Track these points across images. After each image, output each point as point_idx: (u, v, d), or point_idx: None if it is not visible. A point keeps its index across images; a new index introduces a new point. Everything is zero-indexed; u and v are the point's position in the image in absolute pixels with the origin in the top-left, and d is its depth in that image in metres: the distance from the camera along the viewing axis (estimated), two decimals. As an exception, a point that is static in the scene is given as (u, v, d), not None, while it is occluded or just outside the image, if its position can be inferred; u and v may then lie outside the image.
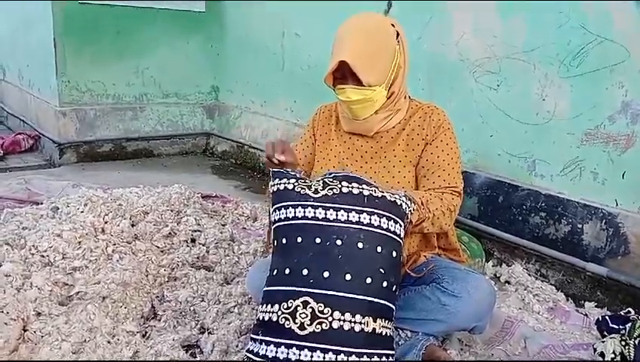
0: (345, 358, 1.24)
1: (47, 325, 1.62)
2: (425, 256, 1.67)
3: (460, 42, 2.59)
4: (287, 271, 1.32)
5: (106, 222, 2.22)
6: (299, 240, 1.33)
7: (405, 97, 1.69)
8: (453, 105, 2.61)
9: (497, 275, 2.32)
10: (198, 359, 1.64)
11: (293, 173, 1.42)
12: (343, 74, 1.52)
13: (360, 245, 1.31)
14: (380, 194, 1.37)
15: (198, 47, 4.49)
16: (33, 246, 1.99)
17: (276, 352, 1.26)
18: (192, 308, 1.87)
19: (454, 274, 1.53)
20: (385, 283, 1.31)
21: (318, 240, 1.31)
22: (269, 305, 1.32)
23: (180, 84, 4.48)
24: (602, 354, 1.66)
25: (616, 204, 2.09)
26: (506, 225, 2.45)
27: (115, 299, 1.78)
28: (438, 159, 1.61)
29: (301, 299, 1.27)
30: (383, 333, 1.31)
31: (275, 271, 1.36)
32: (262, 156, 4.07)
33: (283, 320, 1.27)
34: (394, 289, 1.35)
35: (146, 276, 2.00)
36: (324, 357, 1.23)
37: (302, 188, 1.37)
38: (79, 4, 3.85)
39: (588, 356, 1.70)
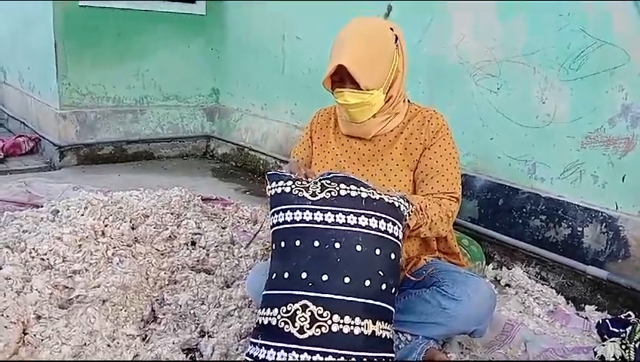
0: (344, 361, 1.24)
1: (47, 328, 1.62)
2: (425, 260, 1.67)
3: (459, 45, 2.59)
4: (286, 274, 1.32)
5: (106, 225, 2.22)
6: (297, 243, 1.33)
7: (404, 101, 1.69)
8: (453, 108, 2.61)
9: (497, 278, 2.32)
10: (197, 362, 1.64)
11: (289, 175, 1.42)
12: (342, 77, 1.53)
13: (358, 248, 1.30)
14: (377, 197, 1.37)
15: (198, 49, 4.50)
16: (33, 249, 1.99)
17: (276, 356, 1.26)
18: (192, 312, 1.87)
19: (454, 278, 1.53)
20: (384, 286, 1.31)
21: (316, 244, 1.31)
22: (269, 309, 1.32)
23: (180, 86, 4.49)
24: (602, 358, 1.66)
25: (617, 207, 2.09)
26: (506, 228, 2.45)
27: (115, 302, 1.78)
28: (436, 164, 1.61)
29: (300, 303, 1.27)
30: (383, 336, 1.31)
31: (274, 275, 1.36)
32: (263, 159, 4.07)
33: (282, 323, 1.27)
34: (393, 291, 1.35)
35: (146, 279, 2.00)
36: (323, 361, 1.23)
37: (299, 191, 1.37)
38: (80, 6, 3.86)
39: (588, 359, 1.70)
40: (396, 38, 1.56)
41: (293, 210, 1.35)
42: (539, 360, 1.70)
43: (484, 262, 2.31)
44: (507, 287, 2.24)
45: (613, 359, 1.64)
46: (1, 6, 5.05)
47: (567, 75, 2.19)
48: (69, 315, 1.70)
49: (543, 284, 2.24)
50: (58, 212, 2.34)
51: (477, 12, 2.50)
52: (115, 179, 3.67)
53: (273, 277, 1.36)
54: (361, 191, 1.36)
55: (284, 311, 1.28)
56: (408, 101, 1.73)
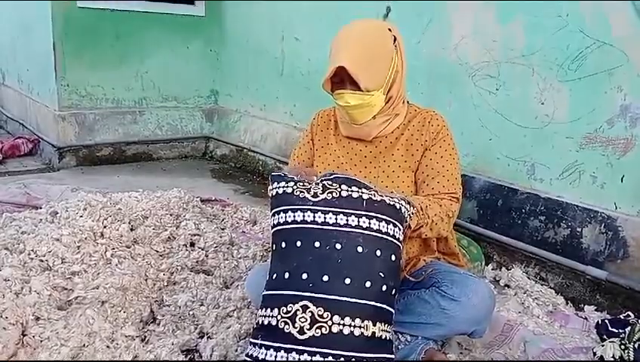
0: (344, 362, 1.24)
1: (46, 330, 1.62)
2: (424, 260, 1.67)
3: (459, 46, 2.60)
4: (286, 275, 1.32)
5: (105, 227, 2.22)
6: (298, 244, 1.33)
7: (404, 102, 1.69)
8: (452, 109, 2.62)
9: (497, 279, 2.32)
10: (197, 363, 1.64)
11: (291, 177, 1.42)
12: (341, 79, 1.53)
13: (359, 249, 1.30)
14: (379, 198, 1.37)
15: (197, 51, 4.50)
16: (32, 250, 1.99)
17: (276, 356, 1.26)
18: (191, 313, 1.86)
19: (454, 278, 1.53)
20: (384, 287, 1.31)
21: (317, 244, 1.31)
22: (269, 309, 1.32)
23: (179, 87, 4.49)
24: (602, 358, 1.66)
25: (616, 208, 2.09)
26: (505, 228, 2.45)
27: (114, 303, 1.77)
28: (437, 165, 1.61)
29: (300, 303, 1.27)
30: (383, 337, 1.31)
31: (275, 276, 1.36)
32: (262, 160, 4.07)
33: (282, 324, 1.27)
34: (393, 292, 1.35)
35: (145, 280, 1.99)
36: (323, 361, 1.23)
37: (301, 192, 1.37)
38: (78, 8, 3.86)
39: (587, 359, 1.70)
40: (394, 39, 1.56)
41: (294, 211, 1.35)
42: (538, 361, 1.70)
43: (484, 263, 2.31)
44: (506, 288, 2.24)
45: (612, 359, 1.64)
46: (1, 8, 5.04)
47: (566, 76, 2.19)
48: (68, 316, 1.70)
49: (542, 285, 2.24)
50: (57, 213, 2.34)
51: (476, 13, 2.51)
52: (114, 180, 3.67)
53: (273, 278, 1.36)
54: (362, 192, 1.36)
55: (284, 311, 1.28)
56: (407, 102, 1.73)
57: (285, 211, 1.37)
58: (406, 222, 1.41)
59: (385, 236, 1.34)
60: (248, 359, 1.32)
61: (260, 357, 1.28)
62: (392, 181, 1.65)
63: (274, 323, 1.29)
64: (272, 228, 1.41)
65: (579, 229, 2.19)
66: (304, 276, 1.29)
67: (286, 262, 1.34)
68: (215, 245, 2.37)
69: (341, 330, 1.25)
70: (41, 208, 2.52)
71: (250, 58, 4.19)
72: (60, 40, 3.84)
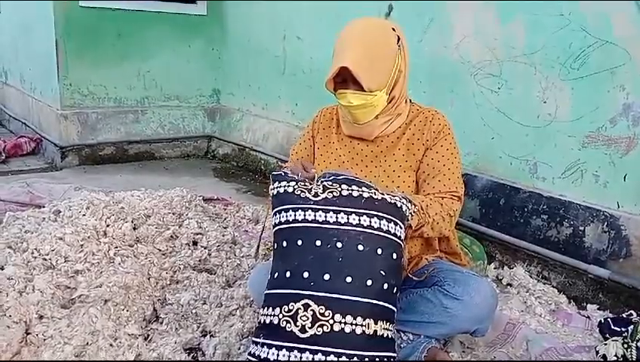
0: (346, 361, 1.24)
1: (49, 328, 1.62)
2: (426, 259, 1.67)
3: (460, 45, 2.59)
4: (287, 274, 1.32)
5: (107, 225, 2.22)
6: (299, 243, 1.33)
7: (406, 101, 1.69)
8: (454, 107, 2.61)
9: (499, 278, 2.32)
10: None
11: (292, 176, 1.43)
12: (344, 79, 1.53)
13: (360, 247, 1.31)
14: (379, 197, 1.37)
15: (199, 50, 4.50)
16: (35, 249, 1.99)
17: (278, 355, 1.26)
18: (193, 311, 1.87)
19: (456, 277, 1.53)
20: (385, 286, 1.31)
21: (318, 243, 1.31)
22: (270, 308, 1.32)
23: (181, 87, 4.49)
24: (604, 357, 1.66)
25: (618, 207, 2.09)
26: (507, 227, 2.45)
27: (117, 302, 1.78)
28: (438, 164, 1.61)
29: (302, 302, 1.27)
30: (385, 335, 1.31)
31: (276, 274, 1.36)
32: (264, 159, 4.07)
33: (284, 323, 1.27)
34: (394, 291, 1.35)
35: (148, 279, 2.00)
36: (325, 360, 1.23)
37: (302, 191, 1.37)
38: (80, 7, 3.86)
39: (590, 358, 1.70)
40: (398, 39, 1.56)
41: (295, 210, 1.36)
42: (540, 360, 1.70)
43: (486, 262, 2.31)
44: (509, 286, 2.24)
45: (615, 358, 1.64)
46: (2, 7, 5.05)
47: (569, 75, 2.19)
48: (71, 315, 1.70)
49: (544, 283, 2.24)
50: (60, 212, 2.35)
51: (478, 12, 2.50)
52: (116, 179, 3.68)
53: (275, 277, 1.36)
54: (363, 191, 1.36)
55: (285, 310, 1.28)
56: (410, 101, 1.73)
57: (286, 210, 1.37)
58: (407, 220, 1.41)
59: (386, 234, 1.34)
60: (251, 357, 1.32)
61: (263, 355, 1.29)
62: (392, 180, 1.65)
63: (276, 321, 1.29)
64: (274, 227, 1.41)
65: (581, 228, 2.19)
66: (305, 275, 1.29)
67: (287, 260, 1.35)
68: (217, 244, 2.38)
69: (343, 329, 1.25)
70: (44, 207, 2.53)
71: (251, 57, 4.20)
72: (62, 39, 3.85)
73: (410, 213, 1.42)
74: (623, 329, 1.76)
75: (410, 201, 1.42)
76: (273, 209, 1.42)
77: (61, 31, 3.84)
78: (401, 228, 1.39)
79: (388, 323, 1.33)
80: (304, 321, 1.25)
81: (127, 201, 2.46)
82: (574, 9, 2.14)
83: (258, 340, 1.32)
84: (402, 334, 1.62)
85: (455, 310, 1.49)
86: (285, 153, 3.79)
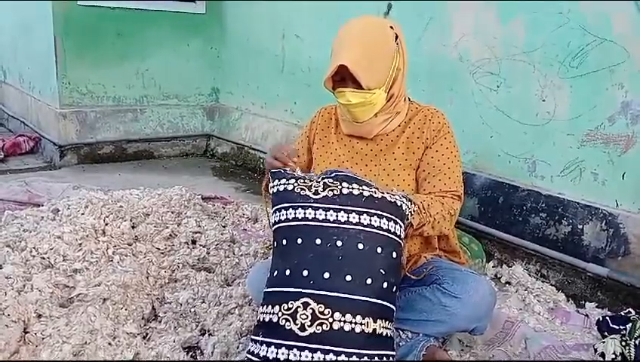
0: (345, 359, 1.24)
1: (47, 327, 1.62)
2: (425, 258, 1.68)
3: (459, 43, 2.59)
4: (287, 272, 1.32)
5: (106, 224, 2.22)
6: (299, 241, 1.33)
7: (405, 99, 1.69)
8: (453, 106, 2.61)
9: (498, 276, 2.32)
10: (198, 360, 1.64)
11: (292, 174, 1.43)
12: (343, 77, 1.53)
13: (360, 246, 1.31)
14: (380, 195, 1.37)
15: (198, 49, 4.50)
16: (34, 248, 2.00)
17: (277, 353, 1.26)
18: (192, 310, 1.87)
19: (454, 276, 1.53)
20: (385, 284, 1.31)
21: (318, 242, 1.31)
22: (270, 307, 1.32)
23: (180, 85, 4.49)
24: (603, 355, 1.66)
25: (617, 205, 2.09)
26: (506, 225, 2.45)
27: (115, 300, 1.78)
28: (438, 163, 1.61)
29: (301, 300, 1.27)
30: (384, 334, 1.31)
31: (276, 273, 1.36)
32: (263, 158, 4.07)
33: (283, 321, 1.27)
34: (394, 289, 1.35)
35: (147, 278, 2.00)
36: (324, 358, 1.23)
37: (302, 189, 1.37)
38: (79, 6, 3.86)
39: (588, 356, 1.70)
40: (396, 37, 1.56)
41: (295, 208, 1.35)
42: (539, 359, 1.70)
43: (485, 260, 2.32)
44: (507, 285, 2.24)
45: (613, 356, 1.65)
46: (1, 6, 5.04)
47: (567, 73, 2.19)
48: (70, 314, 1.70)
49: (543, 282, 2.25)
50: (58, 211, 2.35)
51: (478, 10, 2.50)
52: (115, 178, 3.67)
53: (275, 275, 1.36)
54: (363, 189, 1.36)
55: (285, 308, 1.28)
56: (409, 99, 1.73)
57: (286, 208, 1.37)
58: (407, 219, 1.41)
59: (385, 233, 1.34)
60: (249, 356, 1.32)
61: (262, 354, 1.29)
62: (392, 179, 1.65)
63: (275, 320, 1.29)
64: (273, 225, 1.41)
65: (580, 226, 2.19)
66: (305, 273, 1.29)
67: (287, 259, 1.35)
68: (216, 242, 2.38)
69: (342, 327, 1.25)
70: (42, 206, 2.53)
71: (250, 56, 4.19)
72: (61, 38, 3.84)
73: (411, 212, 1.42)
74: (622, 327, 1.76)
75: (410, 200, 1.42)
76: (273, 207, 1.42)
77: (60, 30, 3.83)
78: (400, 226, 1.39)
79: (387, 322, 1.33)
80: (303, 319, 1.25)
81: (126, 200, 2.46)
82: (573, 7, 2.14)
83: (257, 338, 1.32)
84: (401, 332, 1.62)
85: (454, 308, 1.49)
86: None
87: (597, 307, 2.05)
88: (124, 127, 4.25)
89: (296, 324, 1.26)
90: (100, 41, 4.01)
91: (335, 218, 1.32)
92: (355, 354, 1.25)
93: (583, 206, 2.18)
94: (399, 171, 1.65)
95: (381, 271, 1.31)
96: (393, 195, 1.39)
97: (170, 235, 2.34)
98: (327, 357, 1.23)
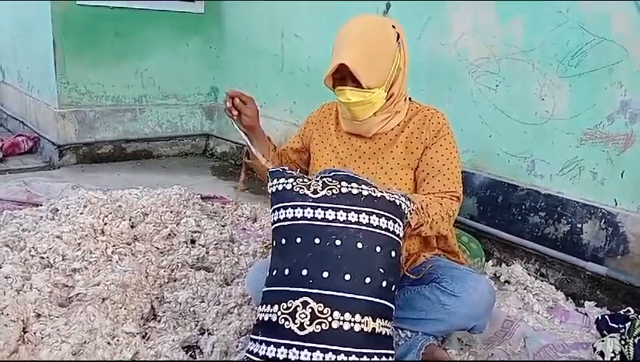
0: (345, 358, 1.24)
1: (47, 326, 1.62)
2: (424, 256, 1.68)
3: (458, 42, 2.59)
4: (286, 271, 1.32)
5: (105, 224, 2.22)
6: (298, 240, 1.33)
7: (405, 99, 1.69)
8: (452, 105, 2.61)
9: (497, 275, 2.32)
10: (197, 360, 1.64)
11: (290, 172, 1.43)
12: (343, 75, 1.53)
13: (359, 245, 1.30)
14: (379, 194, 1.37)
15: (197, 48, 4.49)
16: (33, 247, 1.99)
17: (276, 352, 1.26)
18: (191, 309, 1.87)
19: (453, 274, 1.53)
20: (384, 283, 1.31)
21: (317, 241, 1.31)
22: (269, 306, 1.32)
23: (179, 85, 4.48)
24: (602, 354, 1.66)
25: (616, 204, 2.09)
26: (505, 224, 2.45)
27: (114, 300, 1.78)
28: (437, 164, 1.61)
29: (301, 300, 1.27)
30: (383, 333, 1.31)
31: (275, 272, 1.36)
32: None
33: (283, 320, 1.27)
34: (393, 288, 1.35)
35: (146, 277, 2.00)
36: (323, 358, 1.23)
37: (301, 188, 1.37)
38: (78, 6, 3.85)
39: (587, 355, 1.70)
40: (398, 36, 1.56)
41: (294, 207, 1.35)
42: (538, 358, 1.71)
43: (484, 259, 2.32)
44: (507, 284, 2.25)
45: (612, 354, 1.65)
46: (0, 5, 5.04)
47: (566, 72, 2.19)
48: (69, 313, 1.70)
49: (542, 281, 2.25)
50: (57, 210, 2.35)
51: (477, 10, 2.50)
52: (114, 177, 3.67)
53: (274, 274, 1.36)
54: (362, 188, 1.36)
55: (284, 307, 1.28)
56: (409, 99, 1.73)
57: (285, 208, 1.37)
58: (406, 218, 1.41)
59: (385, 232, 1.34)
60: (249, 355, 1.32)
61: (261, 353, 1.29)
62: (390, 178, 1.65)
63: (274, 319, 1.29)
64: (272, 224, 1.41)
65: (579, 225, 2.19)
66: (304, 272, 1.29)
67: (286, 258, 1.34)
68: (215, 242, 2.38)
69: (341, 326, 1.25)
70: (41, 205, 2.53)
71: (249, 55, 4.19)
72: (60, 38, 3.83)
73: (409, 212, 1.41)
74: (621, 326, 1.76)
75: (409, 199, 1.42)
76: (272, 206, 1.42)
77: (59, 29, 3.82)
78: (399, 226, 1.38)
79: (386, 321, 1.33)
80: (303, 319, 1.25)
81: (125, 200, 2.46)
82: (573, 6, 2.14)
83: (256, 338, 1.32)
84: (400, 331, 1.62)
85: (452, 306, 1.49)
86: (283, 151, 3.79)
87: (596, 306, 2.05)
88: (123, 127, 4.25)
89: (296, 323, 1.25)
90: (98, 40, 4.01)
91: (334, 217, 1.32)
92: (354, 353, 1.25)
93: (582, 205, 2.18)
94: (397, 170, 1.65)
95: (380, 270, 1.31)
96: (392, 194, 1.39)
97: (169, 235, 2.34)
98: (327, 356, 1.23)
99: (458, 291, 1.49)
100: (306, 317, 1.25)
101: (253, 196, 3.41)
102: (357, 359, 1.25)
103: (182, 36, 4.39)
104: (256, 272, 1.70)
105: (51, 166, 3.97)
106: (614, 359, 1.63)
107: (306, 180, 1.40)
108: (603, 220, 2.11)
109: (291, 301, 1.28)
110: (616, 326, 1.78)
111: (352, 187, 1.36)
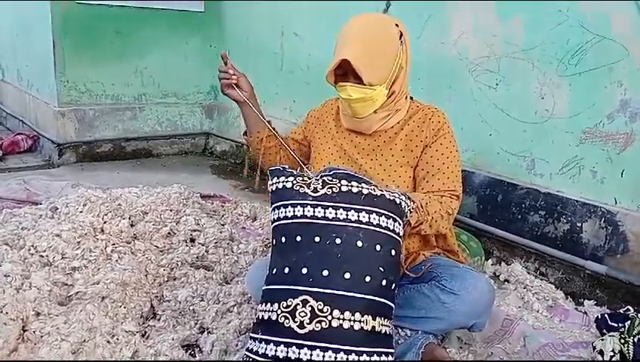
0: (344, 357, 1.24)
1: (46, 325, 1.62)
2: (424, 255, 1.68)
3: (459, 41, 2.59)
4: (286, 269, 1.32)
5: (105, 222, 2.22)
6: (298, 239, 1.33)
7: (406, 97, 1.69)
8: (452, 104, 2.61)
9: (497, 274, 2.32)
10: (197, 358, 1.64)
11: (291, 171, 1.43)
12: (345, 71, 1.53)
13: (359, 244, 1.30)
14: (379, 193, 1.37)
15: (197, 47, 4.49)
16: (32, 246, 1.99)
17: (276, 351, 1.26)
18: (191, 308, 1.87)
19: (453, 272, 1.54)
20: (384, 282, 1.31)
21: (317, 239, 1.31)
22: (269, 304, 1.32)
23: (179, 83, 4.48)
24: (601, 352, 1.66)
25: (616, 203, 2.09)
26: (505, 223, 2.45)
27: (114, 298, 1.78)
28: (437, 162, 1.61)
29: (300, 298, 1.27)
30: (383, 332, 1.31)
31: (275, 270, 1.36)
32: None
33: (282, 318, 1.27)
34: (393, 287, 1.35)
35: (146, 276, 1.99)
36: (323, 356, 1.23)
37: (301, 187, 1.37)
38: (77, 4, 3.85)
39: (587, 354, 1.70)
40: (401, 35, 1.56)
41: (294, 206, 1.35)
42: (538, 357, 1.71)
43: (484, 258, 2.32)
44: (506, 283, 2.25)
45: (612, 353, 1.64)
46: (0, 5, 5.03)
47: (566, 71, 2.19)
48: (69, 312, 1.70)
49: (542, 279, 2.25)
50: (57, 209, 2.34)
51: (477, 8, 2.50)
52: (113, 176, 3.67)
53: (273, 272, 1.36)
54: (362, 187, 1.36)
55: (284, 305, 1.28)
56: (410, 98, 1.73)
57: (285, 206, 1.37)
58: (406, 217, 1.41)
59: (385, 231, 1.34)
60: (248, 353, 1.32)
61: (260, 351, 1.29)
62: (389, 175, 1.65)
63: (274, 317, 1.29)
64: (272, 223, 1.41)
65: (579, 224, 2.19)
66: (304, 271, 1.29)
67: (286, 256, 1.34)
68: (215, 241, 2.37)
69: (341, 325, 1.25)
70: (41, 204, 2.52)
71: (249, 54, 4.18)
72: (60, 36, 3.83)
73: (409, 210, 1.42)
74: (620, 325, 1.76)
75: (409, 198, 1.42)
76: (272, 204, 1.42)
77: (58, 28, 3.82)
78: (399, 224, 1.38)
79: (386, 320, 1.33)
80: (302, 317, 1.25)
81: (125, 198, 2.46)
82: (573, 5, 2.14)
83: (256, 336, 1.32)
84: (400, 330, 1.62)
85: (452, 305, 1.50)
86: (283, 150, 3.78)
87: (596, 304, 2.05)
88: (123, 126, 4.25)
89: (295, 322, 1.25)
90: (98, 39, 4.00)
91: (334, 215, 1.32)
92: (353, 351, 1.25)
93: (582, 204, 2.18)
94: (396, 168, 1.65)
95: (380, 268, 1.31)
96: (392, 193, 1.39)
97: (168, 233, 2.34)
98: (326, 355, 1.23)
99: (458, 289, 1.49)
100: (306, 315, 1.25)
101: (253, 195, 3.41)
102: (356, 357, 1.25)
103: (182, 35, 4.39)
104: (256, 271, 1.70)
105: (51, 164, 3.97)
106: (614, 358, 1.63)
107: (306, 178, 1.40)
108: (603, 219, 2.11)
109: (291, 299, 1.28)
110: (616, 325, 1.78)
111: (352, 185, 1.36)
